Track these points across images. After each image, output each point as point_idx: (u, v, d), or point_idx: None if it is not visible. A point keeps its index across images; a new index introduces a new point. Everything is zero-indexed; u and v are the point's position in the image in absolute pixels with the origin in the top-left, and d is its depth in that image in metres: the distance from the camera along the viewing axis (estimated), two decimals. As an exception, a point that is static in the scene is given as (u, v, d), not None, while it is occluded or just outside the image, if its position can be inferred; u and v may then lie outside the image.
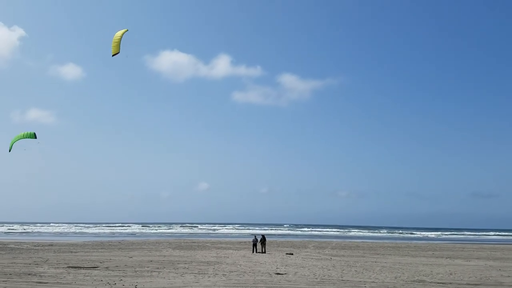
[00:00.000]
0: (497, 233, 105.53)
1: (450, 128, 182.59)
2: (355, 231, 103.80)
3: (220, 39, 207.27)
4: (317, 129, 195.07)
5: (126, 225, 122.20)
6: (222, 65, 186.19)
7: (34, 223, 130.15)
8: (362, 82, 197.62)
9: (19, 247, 38.32)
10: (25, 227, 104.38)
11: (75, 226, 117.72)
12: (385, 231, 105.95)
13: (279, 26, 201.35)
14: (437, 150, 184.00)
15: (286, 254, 33.85)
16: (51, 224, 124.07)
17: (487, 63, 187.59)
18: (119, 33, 24.77)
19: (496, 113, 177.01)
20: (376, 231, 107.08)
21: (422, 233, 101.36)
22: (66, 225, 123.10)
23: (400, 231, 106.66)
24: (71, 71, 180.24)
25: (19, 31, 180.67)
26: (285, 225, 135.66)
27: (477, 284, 18.80)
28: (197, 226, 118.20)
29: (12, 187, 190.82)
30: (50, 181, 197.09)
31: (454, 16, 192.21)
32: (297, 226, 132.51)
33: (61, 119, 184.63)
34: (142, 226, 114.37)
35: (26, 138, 24.21)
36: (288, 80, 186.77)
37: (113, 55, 24.66)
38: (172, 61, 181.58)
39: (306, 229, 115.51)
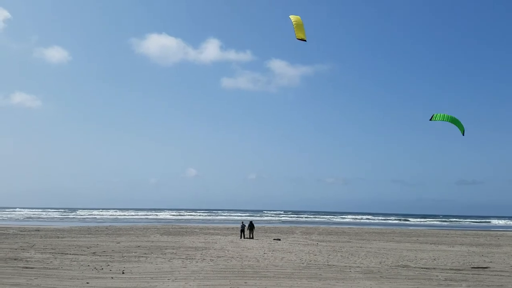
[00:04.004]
0: (481, 219, 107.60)
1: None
2: (342, 217, 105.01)
3: (210, 23, 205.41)
4: (305, 115, 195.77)
5: (113, 211, 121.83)
6: (211, 50, 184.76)
7: (14, 208, 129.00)
8: (351, 68, 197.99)
9: (5, 232, 37.99)
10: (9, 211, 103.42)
11: (60, 211, 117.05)
12: (371, 217, 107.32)
13: (269, 10, 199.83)
14: (423, 137, 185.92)
15: (274, 239, 34.14)
16: (34, 210, 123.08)
17: (475, 49, 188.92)
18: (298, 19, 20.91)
19: (482, 100, 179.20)
20: (362, 217, 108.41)
21: (407, 219, 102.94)
22: (54, 210, 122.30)
23: (386, 217, 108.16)
24: (56, 54, 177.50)
25: (3, 13, 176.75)
26: (272, 211, 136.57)
27: (460, 269, 19.22)
28: (185, 212, 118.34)
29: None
30: (34, 165, 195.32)
31: (444, 2, 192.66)
32: (284, 212, 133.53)
33: (46, 103, 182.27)
34: (130, 212, 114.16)
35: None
36: (278, 65, 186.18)
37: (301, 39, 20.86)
38: (160, 45, 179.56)
39: (293, 215, 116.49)
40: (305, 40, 19.93)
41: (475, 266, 20.13)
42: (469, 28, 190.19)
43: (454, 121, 21.19)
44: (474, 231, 54.76)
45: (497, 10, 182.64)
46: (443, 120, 21.20)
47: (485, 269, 19.34)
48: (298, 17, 19.94)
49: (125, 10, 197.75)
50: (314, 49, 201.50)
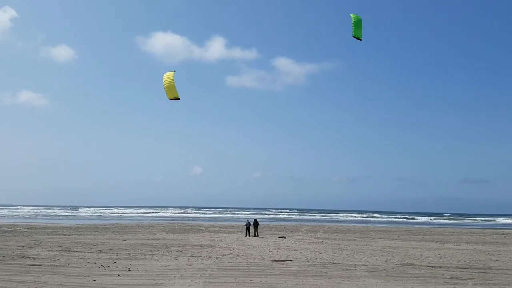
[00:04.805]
0: (487, 218, 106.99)
1: (442, 114, 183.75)
2: (347, 215, 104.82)
3: (215, 21, 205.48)
4: (311, 114, 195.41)
5: (119, 208, 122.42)
6: (216, 48, 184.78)
7: (18, 205, 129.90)
8: (357, 66, 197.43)
9: (12, 229, 38.30)
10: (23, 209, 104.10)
11: (65, 209, 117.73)
12: (376, 216, 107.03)
13: (275, 8, 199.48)
14: (428, 135, 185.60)
15: (279, 237, 34.16)
16: (39, 207, 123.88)
17: (480, 48, 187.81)
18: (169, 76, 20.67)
19: (488, 99, 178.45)
20: (367, 215, 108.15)
21: (413, 217, 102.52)
22: (58, 208, 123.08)
23: (391, 216, 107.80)
24: (63, 52, 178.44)
25: (10, 12, 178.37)
26: (277, 209, 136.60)
27: (466, 268, 19.15)
28: (190, 210, 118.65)
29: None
30: (40, 163, 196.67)
31: (448, 2, 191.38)
32: (290, 210, 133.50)
33: (53, 102, 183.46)
34: (135, 210, 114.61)
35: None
36: (283, 63, 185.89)
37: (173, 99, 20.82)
38: (165, 43, 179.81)
39: (298, 213, 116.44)
40: (178, 99, 20.24)
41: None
42: (474, 27, 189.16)
43: (356, 24, 20.36)
44: (480, 230, 54.48)
45: (501, 9, 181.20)
46: (359, 28, 20.28)
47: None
48: (170, 75, 19.93)
49: (131, 9, 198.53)
50: (320, 47, 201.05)
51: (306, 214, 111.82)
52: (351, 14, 20.29)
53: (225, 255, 21.95)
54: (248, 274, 16.20)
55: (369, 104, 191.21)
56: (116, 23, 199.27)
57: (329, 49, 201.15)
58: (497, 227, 67.69)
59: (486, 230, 53.31)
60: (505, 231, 53.37)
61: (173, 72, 20.14)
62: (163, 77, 19.90)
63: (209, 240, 30.85)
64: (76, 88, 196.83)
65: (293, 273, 16.69)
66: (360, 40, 20.38)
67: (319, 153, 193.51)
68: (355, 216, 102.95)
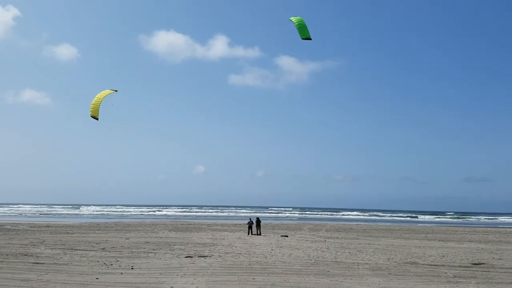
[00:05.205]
0: (490, 217, 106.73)
1: (444, 113, 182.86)
2: (349, 214, 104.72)
3: (217, 19, 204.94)
4: (314, 112, 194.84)
5: (121, 207, 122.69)
6: (219, 46, 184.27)
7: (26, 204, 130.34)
8: (359, 65, 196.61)
9: (16, 228, 38.44)
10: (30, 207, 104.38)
11: (68, 208, 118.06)
12: (379, 214, 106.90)
13: (278, 7, 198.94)
14: (431, 134, 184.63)
15: (281, 236, 34.18)
16: (52, 206, 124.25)
17: (480, 48, 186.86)
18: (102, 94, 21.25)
19: (490, 98, 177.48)
20: (369, 213, 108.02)
21: (415, 216, 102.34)
22: (61, 207, 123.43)
23: (394, 215, 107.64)
24: (65, 51, 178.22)
25: (13, 11, 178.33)
26: (280, 208, 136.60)
27: (468, 266, 19.12)
28: (193, 209, 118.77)
29: (2, 168, 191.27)
30: (43, 162, 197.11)
31: (450, 2, 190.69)
32: (292, 208, 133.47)
33: (56, 101, 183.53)
34: (138, 208, 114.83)
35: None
36: (286, 62, 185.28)
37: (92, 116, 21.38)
38: (168, 42, 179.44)
39: (301, 211, 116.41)
40: (97, 119, 20.66)
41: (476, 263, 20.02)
42: (474, 27, 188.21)
43: (301, 27, 20.38)
44: (483, 228, 54.37)
45: (501, 9, 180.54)
46: (304, 30, 20.30)
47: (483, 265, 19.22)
48: (103, 95, 20.26)
49: (133, 8, 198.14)
50: (323, 46, 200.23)
51: (308, 212, 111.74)
52: (291, 19, 20.34)
53: (228, 253, 21.98)
54: (250, 273, 16.22)
55: (371, 103, 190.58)
56: (119, 22, 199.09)
57: (332, 48, 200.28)
58: (500, 226, 67.48)
59: (489, 229, 53.18)
60: (508, 229, 53.21)
61: (110, 92, 20.54)
62: (97, 94, 20.42)
63: (211, 238, 30.89)
64: (78, 87, 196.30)
65: (296, 271, 16.70)
66: (310, 39, 20.48)
67: (321, 152, 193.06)
68: (358, 215, 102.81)
